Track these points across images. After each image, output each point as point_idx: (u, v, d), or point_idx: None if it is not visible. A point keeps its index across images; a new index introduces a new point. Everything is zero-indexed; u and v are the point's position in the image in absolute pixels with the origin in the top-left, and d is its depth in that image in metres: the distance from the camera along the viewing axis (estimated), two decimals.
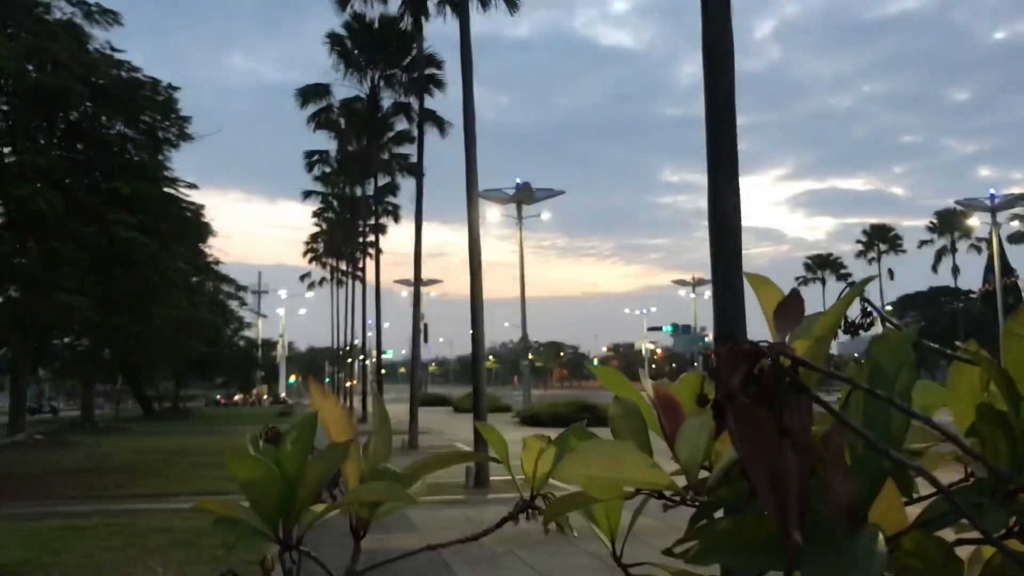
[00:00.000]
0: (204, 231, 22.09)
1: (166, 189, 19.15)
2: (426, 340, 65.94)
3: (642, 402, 0.86)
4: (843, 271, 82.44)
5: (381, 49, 35.08)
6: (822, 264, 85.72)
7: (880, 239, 79.68)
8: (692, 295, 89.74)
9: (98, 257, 16.71)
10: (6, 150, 18.04)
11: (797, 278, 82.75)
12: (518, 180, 47.62)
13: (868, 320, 0.85)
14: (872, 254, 79.30)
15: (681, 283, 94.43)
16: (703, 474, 0.76)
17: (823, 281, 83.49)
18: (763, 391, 0.60)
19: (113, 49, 18.43)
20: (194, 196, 20.75)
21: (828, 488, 0.61)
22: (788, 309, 0.67)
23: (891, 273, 79.09)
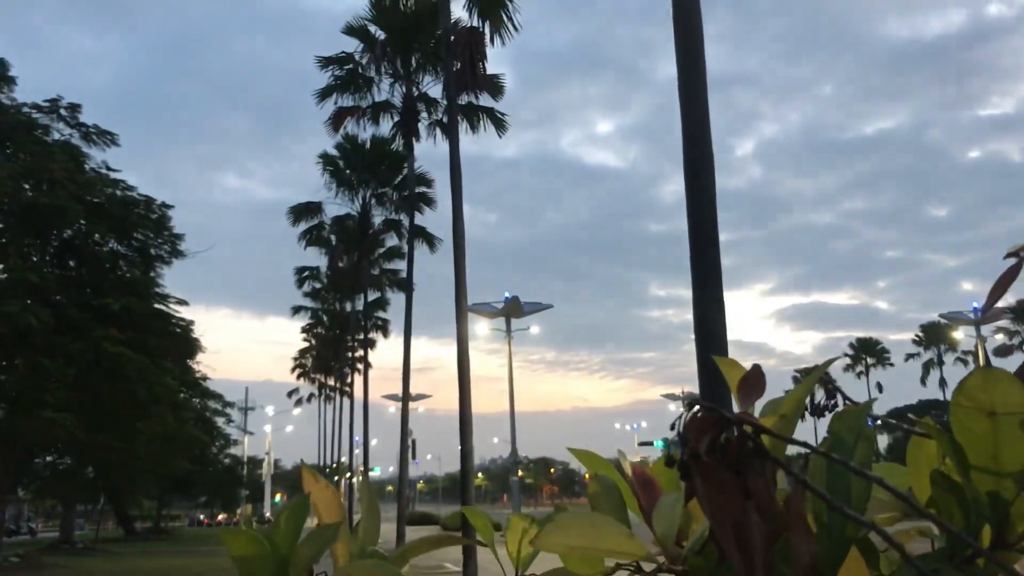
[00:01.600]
0: (193, 347, 22.07)
1: (156, 305, 19.23)
2: (414, 457, 65.08)
3: (620, 481, 0.90)
4: (832, 385, 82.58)
5: (373, 168, 35.90)
6: None
7: (867, 353, 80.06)
8: (682, 409, 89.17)
9: (85, 373, 16.63)
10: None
11: (787, 391, 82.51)
12: (507, 295, 47.92)
13: (832, 402, 0.90)
14: (860, 367, 79.55)
15: (671, 397, 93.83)
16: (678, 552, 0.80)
17: (812, 394, 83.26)
18: (728, 456, 0.64)
19: (109, 168, 18.85)
20: (184, 312, 20.84)
21: (791, 550, 0.65)
22: (750, 382, 0.73)
23: (879, 386, 79.17)
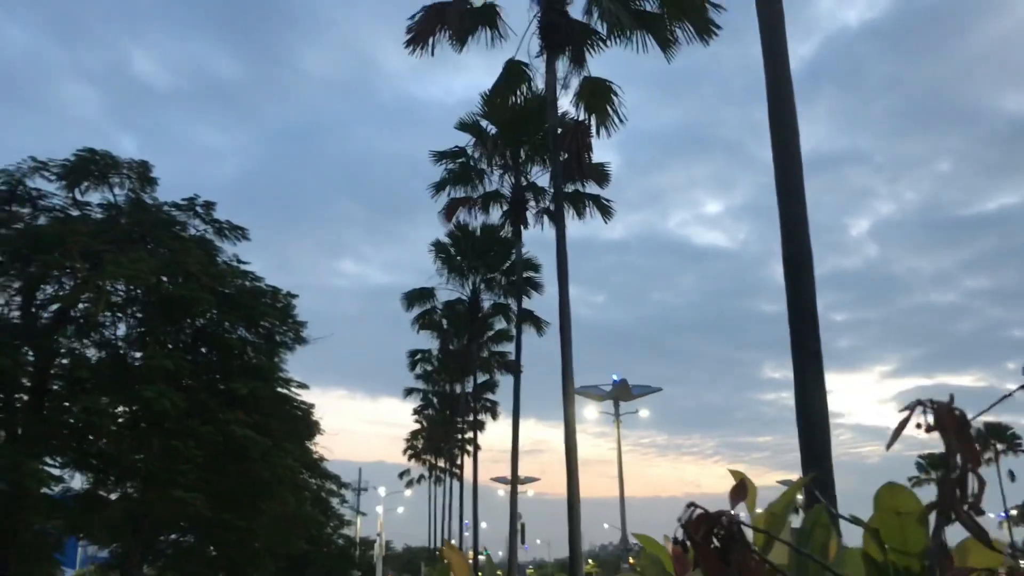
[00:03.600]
0: (313, 429, 23.01)
1: (280, 389, 20.19)
2: (523, 541, 64.62)
3: (666, 557, 1.28)
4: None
5: (482, 255, 37.01)
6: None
7: (997, 438, 76.06)
8: (799, 496, 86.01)
9: (213, 455, 17.58)
10: (137, 355, 19.50)
11: (910, 478, 78.91)
12: (615, 377, 47.65)
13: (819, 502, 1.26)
14: (989, 454, 75.53)
15: (786, 483, 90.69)
16: None
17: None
18: (719, 538, 1.03)
19: (239, 261, 20.15)
20: (303, 395, 21.72)
21: None
22: (738, 490, 1.11)
23: (1012, 475, 74.91)
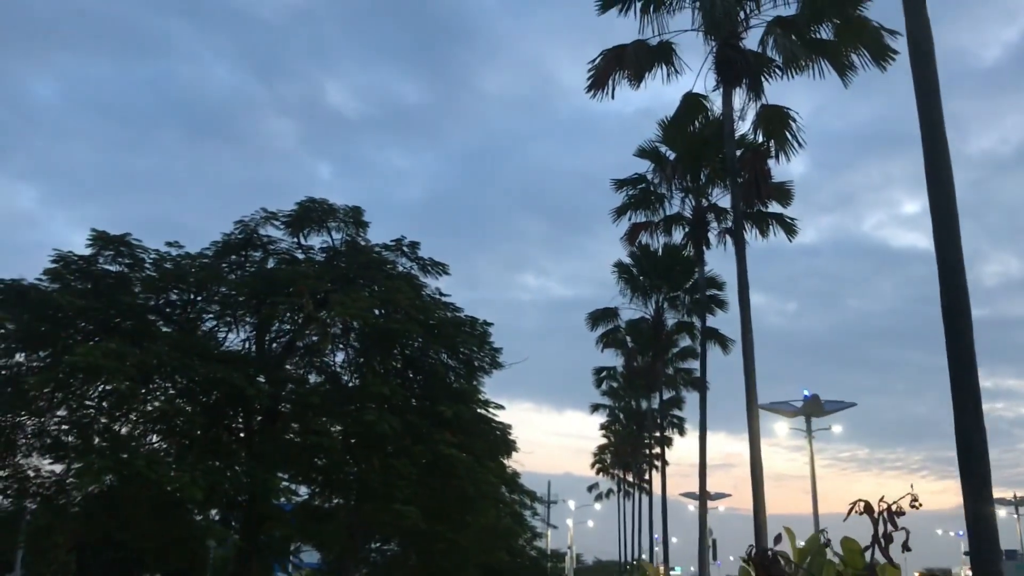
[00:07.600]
0: (510, 448, 24.50)
1: (479, 411, 21.83)
2: (715, 558, 64.28)
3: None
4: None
5: (664, 274, 37.76)
6: None
7: None
8: (1015, 515, 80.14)
9: (423, 472, 19.41)
10: (353, 380, 21.75)
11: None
12: (806, 392, 46.88)
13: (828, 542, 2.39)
14: None
15: (1001, 502, 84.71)
16: None
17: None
18: (768, 565, 2.21)
19: (441, 294, 22.10)
20: (499, 414, 23.18)
21: None
22: (779, 538, 2.30)
23: None
